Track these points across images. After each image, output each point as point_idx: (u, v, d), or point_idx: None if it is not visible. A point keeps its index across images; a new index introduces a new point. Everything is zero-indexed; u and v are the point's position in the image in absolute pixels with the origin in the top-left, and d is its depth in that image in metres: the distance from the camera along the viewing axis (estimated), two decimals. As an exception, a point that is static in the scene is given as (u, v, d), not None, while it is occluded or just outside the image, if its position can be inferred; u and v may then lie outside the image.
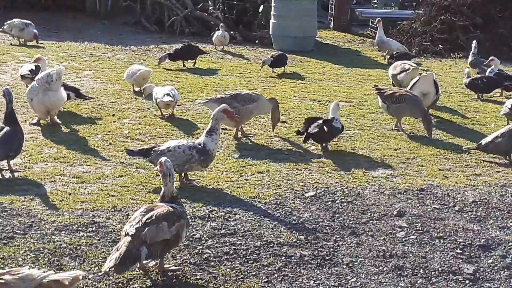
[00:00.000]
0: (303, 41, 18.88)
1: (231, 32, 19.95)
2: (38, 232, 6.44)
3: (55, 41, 17.89)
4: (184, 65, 15.36)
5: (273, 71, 15.21)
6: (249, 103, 9.95)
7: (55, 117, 10.00)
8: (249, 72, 14.92)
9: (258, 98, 10.10)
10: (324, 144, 9.66)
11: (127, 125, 10.30)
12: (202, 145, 7.78)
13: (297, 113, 11.43)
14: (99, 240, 6.36)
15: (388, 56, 17.22)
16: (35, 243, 6.20)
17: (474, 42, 16.02)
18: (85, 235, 6.44)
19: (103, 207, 7.13)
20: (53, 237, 6.35)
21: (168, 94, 10.74)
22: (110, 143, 9.36)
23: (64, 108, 10.70)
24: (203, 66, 15.57)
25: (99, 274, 5.68)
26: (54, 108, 9.88)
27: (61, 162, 8.49)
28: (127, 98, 11.99)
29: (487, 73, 14.09)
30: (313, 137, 9.59)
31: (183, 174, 8.00)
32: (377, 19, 18.75)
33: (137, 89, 12.52)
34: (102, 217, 6.86)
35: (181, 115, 11.05)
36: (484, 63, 14.97)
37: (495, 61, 14.32)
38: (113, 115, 10.81)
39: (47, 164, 8.39)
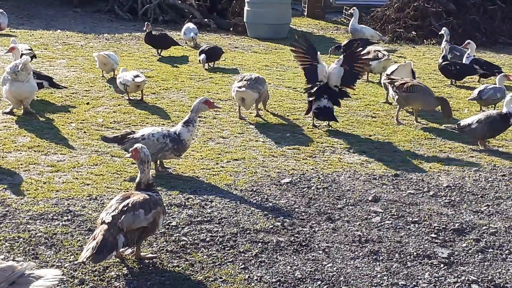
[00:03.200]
0: (278, 28, 18.88)
1: (205, 19, 19.90)
2: (13, 221, 6.40)
3: (27, 29, 17.73)
4: (159, 53, 15.29)
5: (209, 65, 14.10)
6: (264, 84, 10.61)
7: (28, 106, 9.91)
8: (224, 60, 14.87)
9: (265, 81, 10.84)
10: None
11: (102, 113, 10.24)
12: (177, 134, 7.76)
13: (272, 100, 11.42)
14: (74, 228, 6.33)
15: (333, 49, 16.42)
16: (10, 232, 6.16)
17: (445, 29, 15.96)
18: (61, 223, 6.41)
19: (78, 196, 7.10)
20: (28, 226, 6.31)
21: (138, 75, 10.86)
22: (84, 132, 9.31)
23: (37, 97, 10.62)
24: (177, 54, 15.51)
25: (75, 262, 5.65)
26: (23, 98, 9.78)
27: (35, 151, 8.43)
28: (101, 87, 11.92)
29: (464, 60, 14.15)
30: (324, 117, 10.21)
31: (158, 162, 7.97)
32: (352, 8, 18.79)
33: (106, 75, 12.50)
34: (78, 206, 6.83)
35: (155, 103, 11.01)
36: (456, 49, 15.11)
37: (472, 45, 14.37)
38: (87, 103, 10.75)
39: (21, 153, 8.33)
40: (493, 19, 19.89)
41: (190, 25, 17.28)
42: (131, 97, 11.09)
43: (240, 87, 10.34)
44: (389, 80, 11.15)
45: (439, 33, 16.19)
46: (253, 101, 10.45)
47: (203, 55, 13.84)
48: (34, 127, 9.40)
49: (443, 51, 14.33)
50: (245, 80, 10.50)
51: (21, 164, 7.92)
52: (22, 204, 6.79)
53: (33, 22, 19.08)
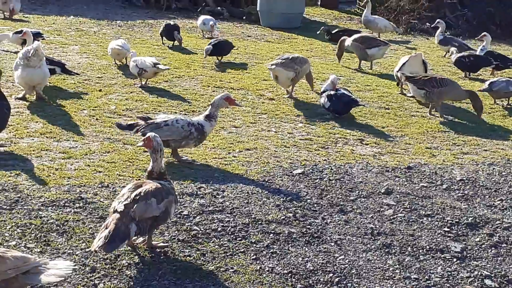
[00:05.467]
0: (291, 17, 18.79)
1: (218, 7, 19.84)
2: (25, 207, 6.39)
3: (40, 15, 17.70)
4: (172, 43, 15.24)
5: (218, 60, 13.54)
6: (304, 64, 10.98)
7: (41, 92, 9.90)
8: (236, 49, 14.81)
9: (307, 61, 11.29)
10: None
11: (114, 100, 10.22)
12: (200, 125, 7.73)
13: (284, 90, 11.37)
14: (86, 216, 6.32)
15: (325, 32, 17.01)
16: (22, 219, 6.15)
17: (441, 21, 16.12)
18: (72, 211, 6.39)
19: (90, 183, 7.08)
20: (40, 212, 6.30)
21: (158, 63, 11.09)
22: (96, 119, 9.29)
23: (50, 83, 10.60)
24: (189, 42, 15.46)
25: (87, 250, 5.64)
26: (35, 84, 9.75)
27: (47, 137, 8.42)
28: (114, 73, 11.89)
29: (477, 52, 14.13)
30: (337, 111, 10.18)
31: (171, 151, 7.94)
32: (365, 0, 18.71)
33: (118, 63, 12.49)
34: (89, 193, 6.81)
35: (168, 91, 10.98)
36: (454, 39, 15.32)
37: (487, 37, 14.35)
38: (100, 90, 10.72)
39: (33, 139, 8.32)
40: (508, 11, 19.74)
41: (207, 16, 17.05)
42: (143, 84, 11.07)
43: (272, 64, 10.81)
44: (405, 79, 11.04)
45: (432, 25, 16.43)
46: (287, 80, 10.85)
47: (209, 46, 13.36)
48: (47, 113, 9.38)
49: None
50: (280, 59, 10.92)
51: (33, 150, 7.91)
52: (34, 191, 6.78)
53: (46, 7, 19.05)
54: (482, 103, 10.58)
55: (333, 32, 16.66)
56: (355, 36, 13.95)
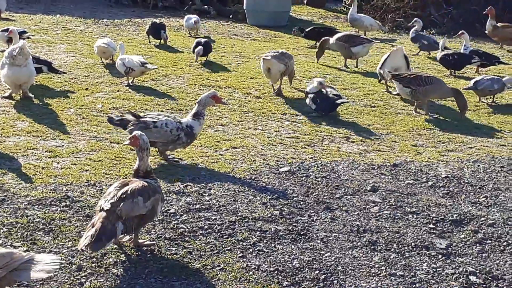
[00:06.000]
0: (277, 16, 18.83)
1: (205, 6, 19.84)
2: (11, 206, 6.38)
3: (26, 13, 17.65)
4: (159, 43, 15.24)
5: (206, 60, 13.49)
6: (291, 60, 11.29)
7: (27, 91, 9.87)
8: (223, 47, 14.85)
9: (293, 58, 11.63)
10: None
11: (101, 99, 10.21)
12: (189, 127, 7.72)
13: (271, 88, 11.41)
14: (72, 214, 6.32)
15: (297, 29, 17.38)
16: (8, 218, 6.14)
17: (418, 20, 16.42)
18: (59, 209, 6.39)
19: (76, 182, 7.07)
20: (26, 211, 6.30)
21: (146, 62, 11.11)
22: (83, 117, 9.28)
23: (36, 81, 10.57)
24: (176, 41, 15.46)
25: (73, 249, 5.64)
26: (21, 83, 9.72)
27: (33, 136, 8.40)
28: (100, 72, 11.88)
29: (461, 50, 14.23)
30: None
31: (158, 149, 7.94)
32: None
33: (104, 61, 12.47)
34: (76, 192, 6.81)
35: (155, 89, 10.98)
36: (424, 37, 15.63)
37: (465, 35, 14.40)
38: (86, 89, 10.71)
39: (19, 138, 8.30)
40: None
41: (191, 15, 17.02)
42: (130, 82, 11.06)
43: (266, 55, 11.07)
44: (391, 77, 11.09)
45: (409, 24, 16.72)
46: (278, 72, 11.02)
47: (200, 47, 13.25)
48: (33, 112, 9.36)
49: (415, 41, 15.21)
50: (271, 52, 11.24)
51: (20, 149, 7.90)
52: (20, 189, 6.77)
53: (32, 6, 19.00)
54: (466, 101, 10.64)
55: (307, 30, 16.69)
56: (339, 35, 13.98)
